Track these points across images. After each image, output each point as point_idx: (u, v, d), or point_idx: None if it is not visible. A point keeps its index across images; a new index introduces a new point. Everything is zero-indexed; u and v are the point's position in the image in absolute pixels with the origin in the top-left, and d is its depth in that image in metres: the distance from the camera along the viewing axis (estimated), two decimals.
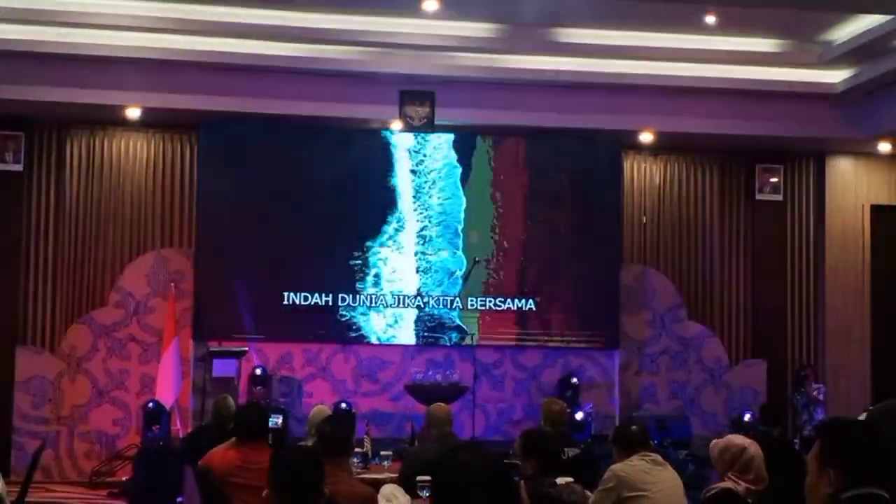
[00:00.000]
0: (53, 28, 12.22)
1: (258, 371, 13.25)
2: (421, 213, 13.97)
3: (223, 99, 13.10)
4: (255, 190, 13.71)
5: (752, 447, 5.31)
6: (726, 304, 14.82)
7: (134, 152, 13.85)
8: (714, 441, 5.50)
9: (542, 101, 13.48)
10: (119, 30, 12.28)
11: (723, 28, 12.41)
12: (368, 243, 13.84)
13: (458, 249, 14.02)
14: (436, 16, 12.11)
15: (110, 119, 13.55)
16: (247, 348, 13.31)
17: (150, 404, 12.46)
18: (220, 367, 12.98)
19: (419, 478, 6.66)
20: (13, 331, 13.40)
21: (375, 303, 13.81)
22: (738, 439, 5.45)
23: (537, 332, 14.09)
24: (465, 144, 14.10)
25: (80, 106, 12.95)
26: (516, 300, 14.09)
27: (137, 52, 12.49)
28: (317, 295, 13.70)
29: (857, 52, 12.68)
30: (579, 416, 12.79)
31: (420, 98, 13.40)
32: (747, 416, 12.93)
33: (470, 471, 3.34)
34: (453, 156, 14.08)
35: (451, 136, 14.01)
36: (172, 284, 13.40)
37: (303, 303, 13.68)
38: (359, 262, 13.81)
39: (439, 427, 7.84)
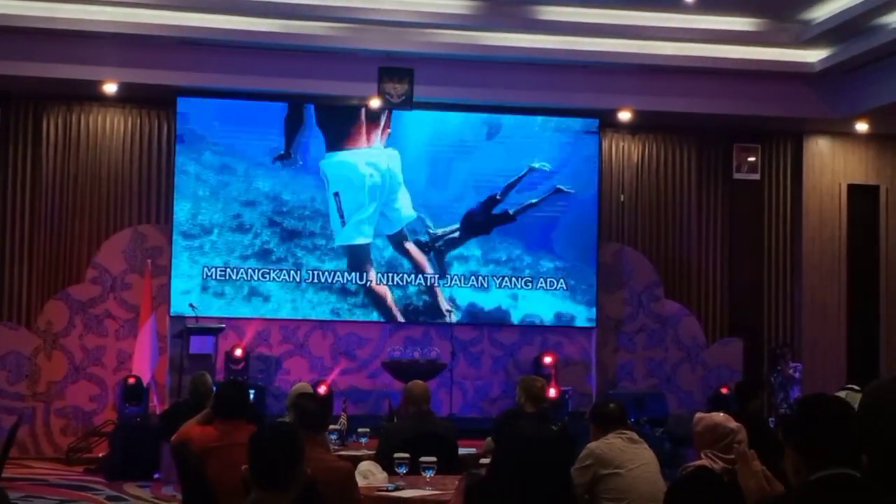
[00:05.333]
0: (30, 2, 12.15)
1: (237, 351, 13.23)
2: (398, 192, 13.98)
3: (201, 74, 13.08)
4: (232, 166, 13.65)
5: (741, 433, 5.28)
6: (703, 283, 14.87)
7: (111, 128, 13.77)
8: (700, 415, 5.48)
9: (520, 79, 13.48)
10: (96, 4, 12.22)
11: (701, 7, 12.44)
12: (344, 219, 13.85)
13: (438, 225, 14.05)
14: None
15: (87, 94, 13.46)
16: (224, 325, 13.29)
17: (128, 381, 12.43)
18: (198, 344, 12.97)
19: (396, 455, 6.67)
20: None
21: (345, 280, 13.82)
22: (729, 422, 5.40)
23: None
24: (440, 121, 14.09)
25: (56, 81, 12.88)
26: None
27: (114, 27, 12.43)
28: (293, 272, 13.69)
29: (834, 32, 12.72)
30: (552, 392, 12.75)
31: (399, 75, 13.38)
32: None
33: (535, 440, 3.49)
34: (429, 132, 14.07)
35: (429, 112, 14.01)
36: (149, 261, 13.37)
37: (276, 279, 13.67)
38: (335, 238, 13.81)
39: (417, 404, 7.84)
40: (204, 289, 13.55)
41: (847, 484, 3.25)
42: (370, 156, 13.91)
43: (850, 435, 3.31)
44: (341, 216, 13.79)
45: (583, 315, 14.28)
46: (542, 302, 14.22)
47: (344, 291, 13.84)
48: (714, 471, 5.16)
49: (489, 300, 14.16)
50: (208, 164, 13.60)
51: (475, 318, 14.14)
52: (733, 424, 5.34)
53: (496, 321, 14.20)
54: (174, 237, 13.52)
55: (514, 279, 14.18)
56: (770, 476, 4.12)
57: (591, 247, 14.29)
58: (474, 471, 5.92)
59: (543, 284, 14.22)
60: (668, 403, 13.46)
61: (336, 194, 13.78)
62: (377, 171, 13.91)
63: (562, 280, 14.24)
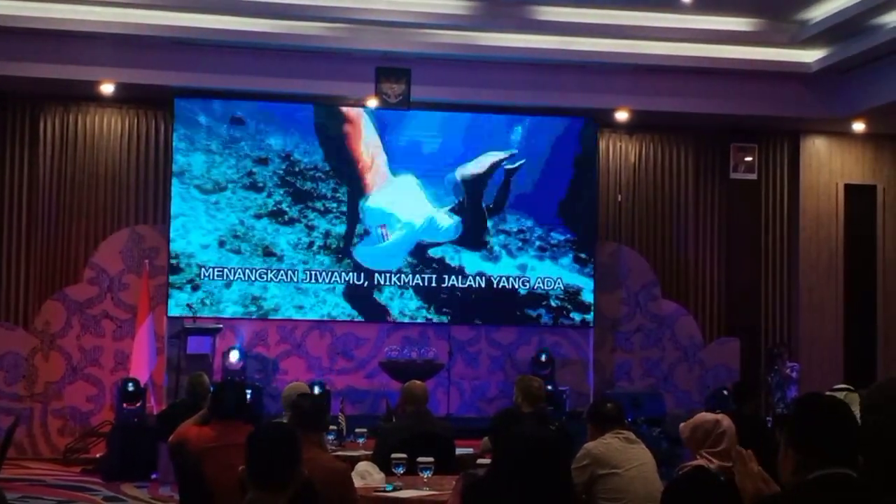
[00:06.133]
0: (26, 3, 12.15)
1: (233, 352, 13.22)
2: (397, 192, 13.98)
3: (197, 75, 13.08)
4: (228, 166, 13.65)
5: (725, 421, 5.34)
6: (700, 283, 14.88)
7: (108, 128, 13.77)
8: (683, 423, 5.53)
9: (517, 79, 13.49)
10: (93, 5, 12.22)
11: (698, 7, 12.45)
12: (345, 219, 13.86)
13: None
14: None
15: (84, 94, 13.46)
16: (221, 325, 13.29)
17: (125, 381, 12.43)
18: (195, 345, 12.96)
19: (394, 455, 6.66)
20: None
21: (348, 280, 13.82)
22: (708, 415, 5.48)
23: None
24: (437, 121, 14.08)
25: (53, 81, 12.88)
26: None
27: (111, 28, 12.43)
28: (290, 272, 13.68)
29: (831, 32, 12.73)
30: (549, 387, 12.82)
31: (396, 75, 13.38)
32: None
33: (534, 441, 3.50)
34: (426, 132, 14.06)
35: (424, 113, 13.99)
36: (146, 261, 13.37)
37: (273, 279, 13.65)
38: (334, 235, 13.81)
39: (415, 404, 7.84)
40: (221, 244, 13.57)
41: (844, 483, 3.25)
42: (398, 193, 13.97)
43: (847, 435, 3.32)
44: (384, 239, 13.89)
45: (590, 287, 14.27)
46: (551, 273, 14.20)
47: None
48: (710, 470, 5.18)
49: (497, 270, 14.13)
50: (204, 162, 13.61)
51: (484, 289, 14.06)
52: (713, 416, 5.38)
53: (506, 290, 14.13)
54: (178, 189, 13.48)
55: (524, 250, 14.18)
56: (768, 477, 4.12)
57: (590, 246, 14.31)
58: (471, 471, 5.92)
59: (553, 255, 14.22)
60: (666, 403, 13.48)
61: (383, 227, 13.82)
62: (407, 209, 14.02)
63: (571, 253, 14.24)
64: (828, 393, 7.50)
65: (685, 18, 12.88)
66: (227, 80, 13.16)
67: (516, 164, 14.14)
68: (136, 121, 13.83)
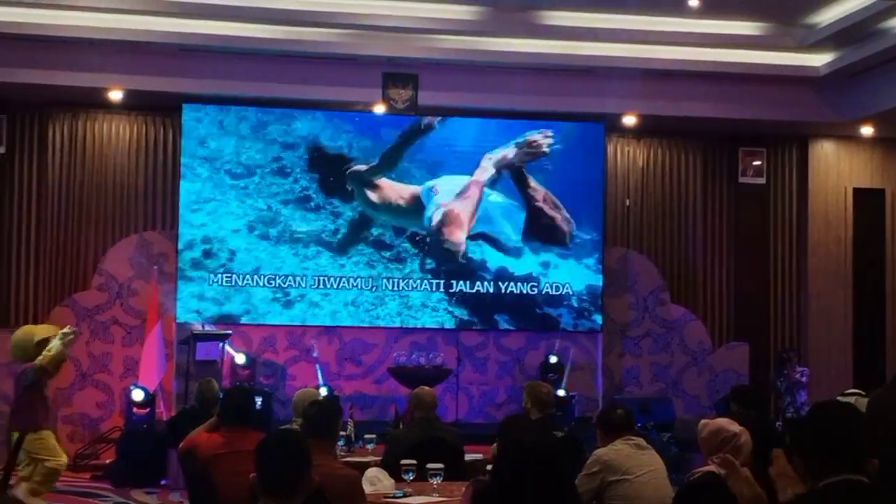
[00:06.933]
0: (35, 10, 12.18)
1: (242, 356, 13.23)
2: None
3: (205, 81, 13.10)
4: (236, 172, 13.65)
5: (745, 436, 5.28)
6: (709, 287, 14.86)
7: (116, 135, 13.80)
8: (704, 421, 5.48)
9: (524, 84, 13.49)
10: (101, 12, 12.26)
11: (706, 11, 12.44)
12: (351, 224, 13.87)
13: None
14: None
15: (92, 101, 13.50)
16: (230, 331, 13.29)
17: (134, 387, 12.45)
18: (204, 351, 12.96)
19: (403, 461, 6.66)
20: None
21: (358, 286, 13.81)
22: (731, 426, 5.41)
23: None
24: (447, 127, 14.08)
25: (62, 88, 12.91)
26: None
27: (119, 35, 12.46)
28: (298, 277, 13.67)
29: (839, 36, 12.72)
30: (561, 392, 12.83)
31: (403, 81, 13.39)
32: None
33: (528, 450, 3.49)
34: (434, 139, 14.05)
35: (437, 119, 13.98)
36: (155, 267, 13.38)
37: (282, 285, 13.64)
38: (341, 243, 13.81)
39: (424, 410, 7.83)
40: (250, 229, 13.57)
41: (855, 489, 3.26)
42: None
43: (858, 441, 3.32)
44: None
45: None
46: (572, 272, 14.18)
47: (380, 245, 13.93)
48: (721, 476, 5.16)
49: (520, 266, 14.11)
50: (212, 169, 13.62)
51: (504, 284, 14.01)
52: (735, 428, 5.34)
53: (524, 287, 14.07)
54: (207, 174, 13.48)
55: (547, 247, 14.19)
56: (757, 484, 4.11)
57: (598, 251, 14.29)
58: (481, 477, 5.92)
59: (577, 255, 14.20)
60: (675, 408, 13.44)
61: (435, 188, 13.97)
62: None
63: (597, 253, 14.23)
64: (838, 398, 7.48)
65: (693, 23, 12.87)
66: (234, 86, 13.18)
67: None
68: (144, 127, 13.86)
